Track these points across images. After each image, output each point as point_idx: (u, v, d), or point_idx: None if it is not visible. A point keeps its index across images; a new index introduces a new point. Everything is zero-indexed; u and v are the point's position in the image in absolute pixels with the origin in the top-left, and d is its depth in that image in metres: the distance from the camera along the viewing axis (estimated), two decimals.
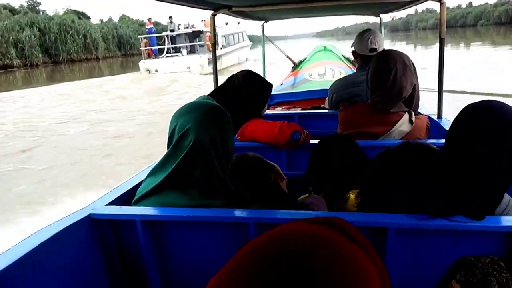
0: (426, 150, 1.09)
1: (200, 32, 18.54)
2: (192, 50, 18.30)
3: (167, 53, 18.13)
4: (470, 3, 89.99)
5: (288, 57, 5.61)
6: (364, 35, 2.42)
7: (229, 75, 1.94)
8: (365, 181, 1.19)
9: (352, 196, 1.40)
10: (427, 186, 1.01)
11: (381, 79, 1.76)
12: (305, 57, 5.61)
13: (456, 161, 1.00)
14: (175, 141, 1.13)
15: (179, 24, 19.30)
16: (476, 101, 1.05)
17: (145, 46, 18.00)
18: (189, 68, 16.19)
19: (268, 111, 3.34)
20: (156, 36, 19.10)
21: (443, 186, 1.00)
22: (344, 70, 4.76)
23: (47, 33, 30.41)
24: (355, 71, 2.93)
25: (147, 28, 19.68)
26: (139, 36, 20.57)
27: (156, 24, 19.48)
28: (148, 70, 16.71)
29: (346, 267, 0.36)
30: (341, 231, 0.40)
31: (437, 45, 2.28)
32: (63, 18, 34.00)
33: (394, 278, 1.06)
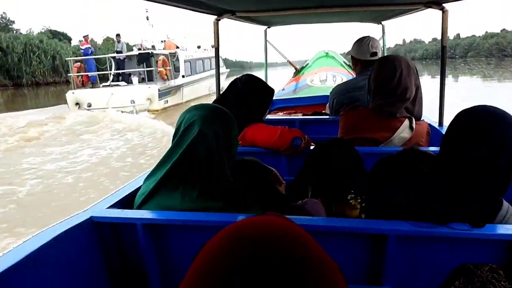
0: (424, 156, 1.10)
1: (149, 54, 14.05)
2: (149, 78, 13.41)
3: (113, 80, 13.77)
4: (458, 35, 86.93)
5: (290, 62, 5.63)
6: (363, 41, 2.43)
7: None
8: (365, 188, 1.19)
9: (352, 202, 1.40)
10: (425, 188, 1.02)
11: (385, 80, 1.75)
12: (307, 63, 5.64)
13: (454, 164, 1.01)
14: (180, 133, 1.18)
15: (128, 43, 14.77)
16: (470, 106, 1.06)
17: (78, 72, 13.35)
18: (133, 102, 12.16)
19: (269, 116, 3.35)
20: (97, 59, 14.85)
21: (442, 188, 1.00)
22: (345, 76, 4.78)
23: (10, 53, 27.42)
24: None
25: (82, 49, 14.51)
26: (67, 59, 15.80)
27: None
28: (78, 103, 12.46)
29: (313, 250, 0.38)
30: (288, 220, 0.43)
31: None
32: (30, 37, 31.10)
33: (393, 284, 1.06)
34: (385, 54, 4.42)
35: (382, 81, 1.77)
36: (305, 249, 0.38)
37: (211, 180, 1.14)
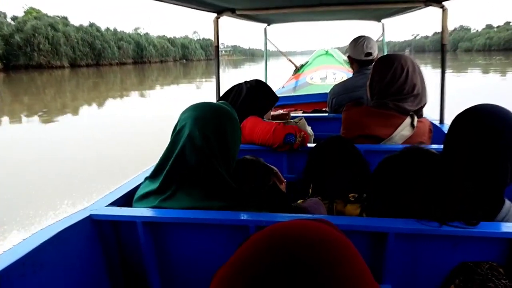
0: (427, 155, 1.10)
1: None
2: None
3: None
4: None
5: (290, 60, 5.63)
6: (358, 41, 2.46)
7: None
8: (367, 188, 1.19)
9: (352, 200, 1.40)
10: (427, 187, 1.02)
11: (392, 78, 1.76)
12: (307, 60, 5.64)
13: (456, 163, 1.01)
14: (173, 137, 1.16)
15: None
16: (471, 106, 1.06)
17: None
18: None
19: None
20: None
21: (444, 187, 1.00)
22: (345, 74, 4.78)
23: None
24: None
25: None
26: None
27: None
28: None
29: (352, 260, 0.37)
30: (335, 228, 0.42)
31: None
32: None
33: (394, 282, 1.06)
34: (386, 52, 4.43)
35: (390, 80, 1.76)
36: (344, 259, 0.38)
37: (208, 182, 1.12)
